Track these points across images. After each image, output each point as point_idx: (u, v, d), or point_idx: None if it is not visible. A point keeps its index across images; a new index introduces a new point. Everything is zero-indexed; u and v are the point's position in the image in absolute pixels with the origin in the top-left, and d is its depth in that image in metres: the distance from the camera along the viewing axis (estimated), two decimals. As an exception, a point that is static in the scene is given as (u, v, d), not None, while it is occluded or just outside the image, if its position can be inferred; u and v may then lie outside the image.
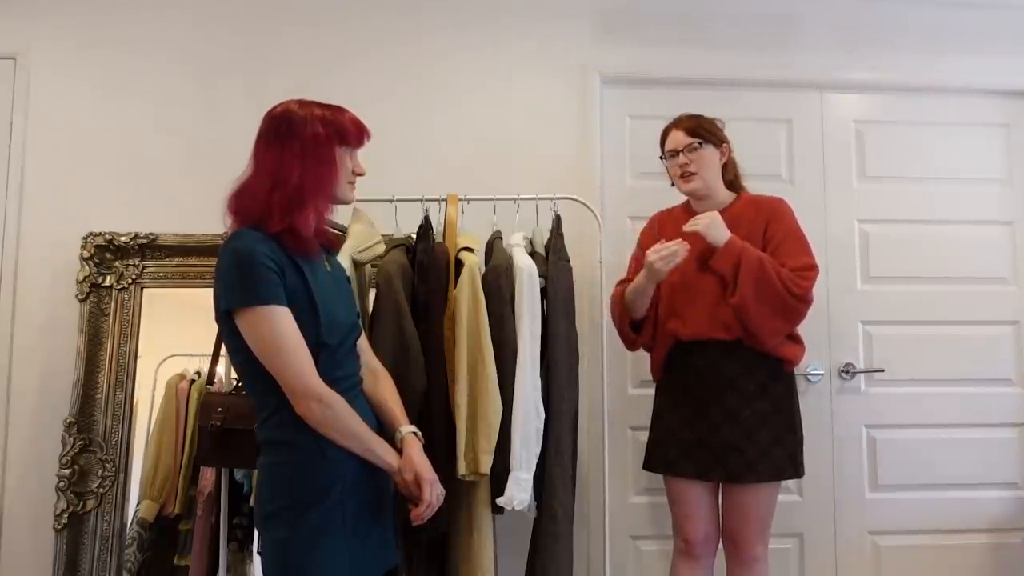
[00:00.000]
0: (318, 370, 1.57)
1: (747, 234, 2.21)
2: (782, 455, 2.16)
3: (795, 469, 2.20)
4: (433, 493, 1.66)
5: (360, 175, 1.73)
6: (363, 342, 1.83)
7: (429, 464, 1.69)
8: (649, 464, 2.31)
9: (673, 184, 2.34)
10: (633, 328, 2.31)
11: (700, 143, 2.24)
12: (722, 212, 2.25)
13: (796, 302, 2.13)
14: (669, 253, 2.10)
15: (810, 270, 2.17)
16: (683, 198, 2.39)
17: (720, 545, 2.27)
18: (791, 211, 2.28)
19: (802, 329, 2.27)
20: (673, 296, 2.23)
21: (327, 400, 1.56)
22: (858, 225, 2.89)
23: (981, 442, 2.82)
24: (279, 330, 1.54)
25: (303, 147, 1.61)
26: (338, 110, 1.68)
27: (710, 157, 2.25)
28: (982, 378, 2.85)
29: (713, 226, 2.13)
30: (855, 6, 2.92)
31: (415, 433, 1.74)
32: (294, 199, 1.59)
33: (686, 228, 2.14)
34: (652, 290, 2.22)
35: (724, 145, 2.29)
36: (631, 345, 2.35)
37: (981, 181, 2.93)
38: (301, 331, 1.56)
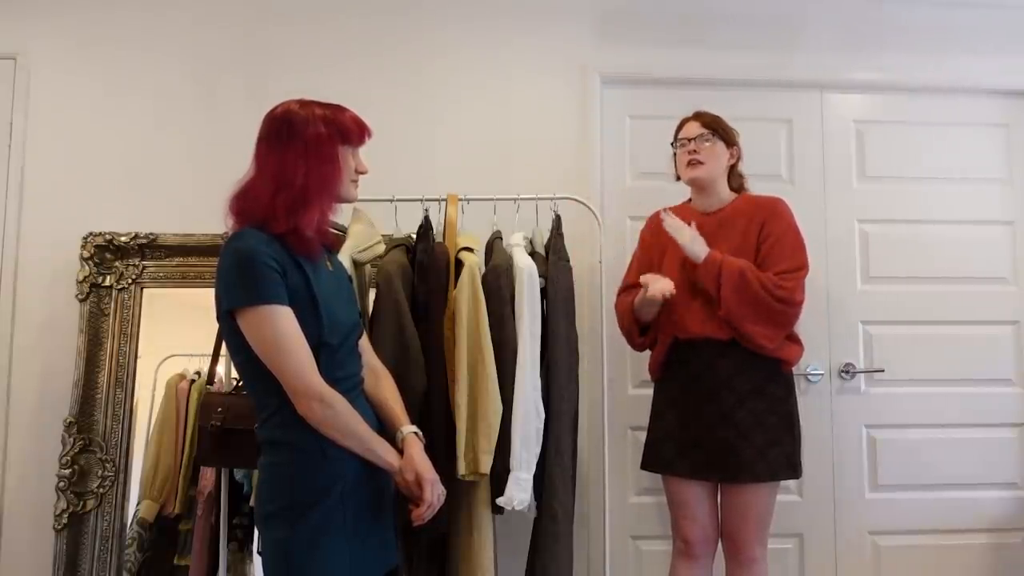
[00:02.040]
0: (320, 370, 1.57)
1: (744, 230, 2.23)
2: (779, 456, 2.16)
3: (792, 470, 2.19)
4: (434, 493, 1.66)
5: (363, 173, 1.72)
6: (364, 342, 1.83)
7: (430, 464, 1.69)
8: (647, 463, 2.31)
9: (679, 178, 2.36)
10: (641, 331, 2.35)
11: (712, 135, 2.28)
12: (721, 209, 2.29)
13: (782, 305, 2.14)
14: (658, 289, 2.14)
15: (797, 271, 2.18)
16: (683, 196, 2.40)
17: (719, 545, 2.27)
18: (789, 211, 2.29)
19: (802, 329, 2.27)
20: (672, 296, 2.23)
21: (328, 400, 1.56)
22: (858, 225, 2.89)
23: (981, 442, 2.82)
24: (280, 329, 1.54)
25: (306, 147, 1.61)
26: (339, 109, 1.68)
27: (719, 152, 2.29)
28: (982, 378, 2.85)
29: (695, 242, 2.17)
30: (855, 6, 2.92)
31: (416, 433, 1.74)
32: (299, 200, 1.59)
33: (666, 227, 2.19)
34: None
35: (734, 148, 2.33)
36: (640, 347, 2.38)
37: (981, 181, 2.93)
38: (303, 331, 1.56)
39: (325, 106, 1.67)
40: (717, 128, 2.30)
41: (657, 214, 2.41)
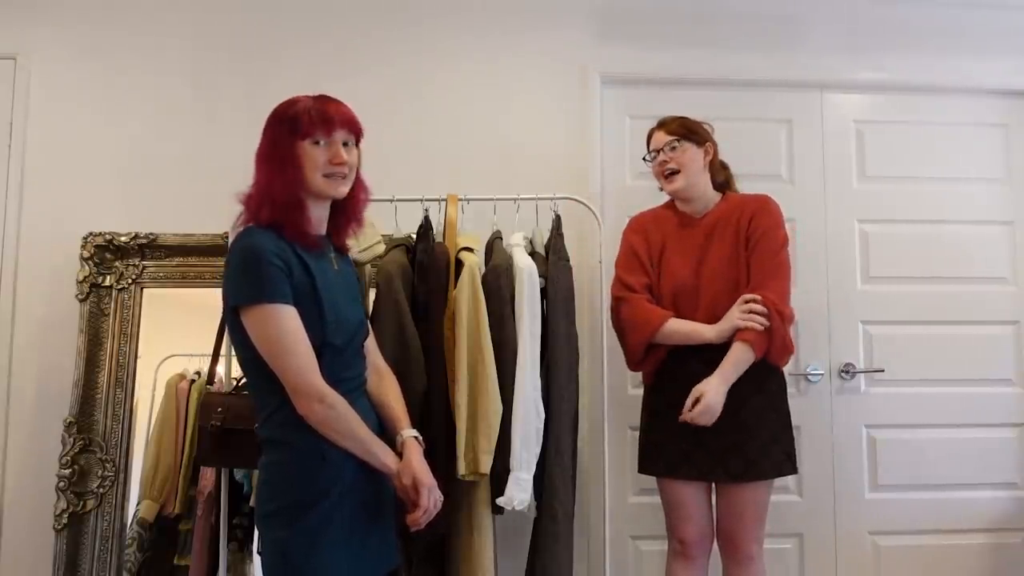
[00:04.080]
0: (325, 370, 1.57)
1: (733, 236, 2.21)
2: (779, 452, 2.17)
3: (792, 465, 2.21)
4: (431, 499, 1.65)
5: (339, 164, 1.62)
6: (370, 342, 1.83)
7: (428, 469, 1.69)
8: (646, 467, 2.29)
9: (662, 188, 2.34)
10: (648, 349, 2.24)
11: (679, 140, 2.25)
12: (708, 213, 2.28)
13: (787, 311, 2.15)
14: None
15: (782, 279, 2.17)
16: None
17: (715, 545, 2.26)
18: (777, 207, 2.26)
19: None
20: (676, 302, 2.23)
21: (329, 400, 1.56)
22: (858, 225, 2.89)
23: (981, 442, 2.82)
24: (283, 329, 1.54)
25: (268, 146, 1.64)
26: (292, 101, 1.65)
27: (692, 155, 2.25)
28: (982, 378, 2.85)
29: (713, 407, 2.07)
30: (855, 6, 2.92)
31: (416, 437, 1.73)
32: (274, 198, 1.60)
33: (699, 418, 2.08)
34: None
35: (708, 144, 2.29)
36: (637, 365, 2.28)
37: (981, 181, 2.93)
38: (307, 330, 1.56)
39: (291, 101, 1.65)
40: (683, 131, 2.26)
41: (642, 215, 2.38)
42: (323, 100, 1.66)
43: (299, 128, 1.61)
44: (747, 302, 2.11)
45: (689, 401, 2.10)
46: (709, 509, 2.25)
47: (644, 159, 2.34)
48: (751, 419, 2.15)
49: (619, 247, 2.36)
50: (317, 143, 1.62)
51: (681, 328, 2.18)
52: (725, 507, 2.20)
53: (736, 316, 2.12)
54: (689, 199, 2.29)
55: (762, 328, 2.09)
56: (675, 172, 2.25)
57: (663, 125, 2.31)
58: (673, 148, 2.25)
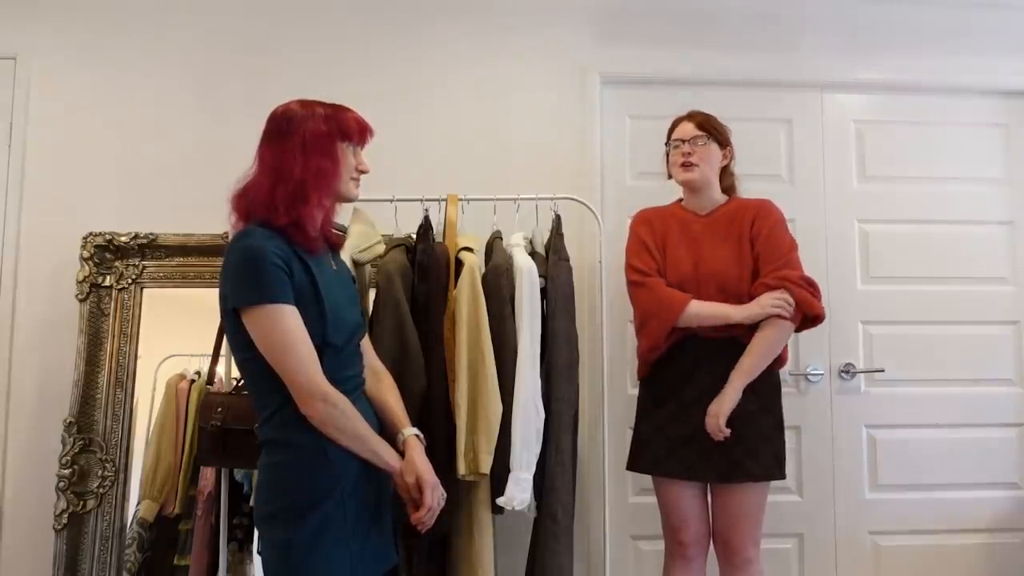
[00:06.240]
0: (326, 370, 1.57)
1: (738, 235, 2.22)
2: (769, 454, 2.15)
3: (780, 469, 2.18)
4: (434, 496, 1.66)
5: (364, 172, 1.73)
6: (366, 342, 1.83)
7: (431, 467, 1.69)
8: (634, 464, 2.28)
9: (670, 177, 2.34)
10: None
11: (707, 137, 2.26)
12: (714, 211, 2.29)
13: (816, 302, 2.16)
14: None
15: (791, 256, 2.19)
16: (679, 194, 2.38)
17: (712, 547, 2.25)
18: (778, 210, 2.27)
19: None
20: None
21: (332, 400, 1.56)
22: (858, 225, 2.89)
23: (981, 442, 2.82)
24: (286, 329, 1.54)
25: (304, 142, 1.63)
26: (340, 108, 1.70)
27: (713, 154, 2.27)
28: (982, 378, 2.85)
29: (724, 413, 2.10)
30: (855, 6, 2.92)
31: (417, 435, 1.74)
32: (297, 193, 1.60)
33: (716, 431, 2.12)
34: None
35: (728, 148, 2.31)
36: (655, 352, 2.22)
37: (981, 181, 2.93)
38: (308, 330, 1.56)
39: (327, 105, 1.69)
40: (711, 129, 2.28)
41: (647, 209, 2.37)
42: (348, 109, 1.71)
43: (346, 131, 1.67)
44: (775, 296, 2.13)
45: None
46: (705, 510, 2.24)
47: (666, 145, 2.34)
48: (742, 418, 2.13)
49: (627, 239, 2.35)
50: (350, 148, 1.69)
51: (707, 310, 2.16)
52: (720, 509, 2.20)
53: (768, 302, 2.12)
54: (696, 192, 2.30)
55: (789, 313, 2.11)
56: (694, 165, 2.25)
57: (692, 116, 2.31)
58: (699, 142, 2.26)
